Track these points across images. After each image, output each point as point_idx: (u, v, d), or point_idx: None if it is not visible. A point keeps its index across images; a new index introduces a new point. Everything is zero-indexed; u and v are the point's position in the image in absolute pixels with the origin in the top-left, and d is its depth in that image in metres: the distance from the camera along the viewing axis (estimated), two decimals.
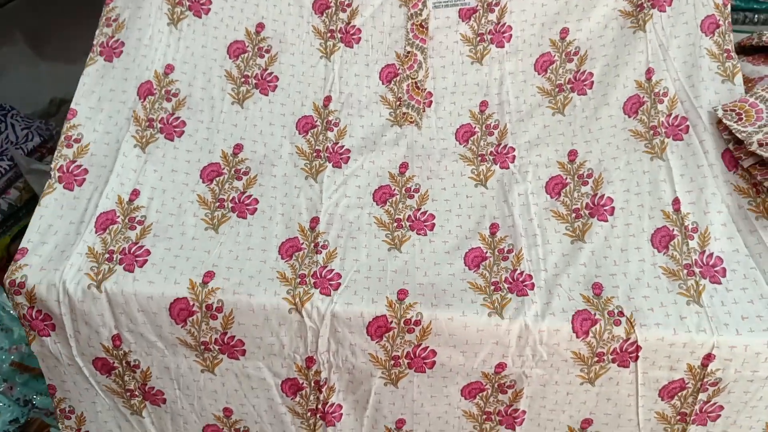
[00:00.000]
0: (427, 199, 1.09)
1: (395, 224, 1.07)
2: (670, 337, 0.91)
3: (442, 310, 0.94)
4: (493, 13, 1.23)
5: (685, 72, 1.13)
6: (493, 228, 1.04)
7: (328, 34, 1.23)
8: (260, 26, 1.23)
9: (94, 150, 1.04)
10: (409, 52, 1.22)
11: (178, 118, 1.09)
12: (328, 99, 1.18)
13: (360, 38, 1.23)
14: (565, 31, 1.22)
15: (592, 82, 1.17)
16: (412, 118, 1.18)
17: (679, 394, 0.96)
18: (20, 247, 0.98)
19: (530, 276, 0.98)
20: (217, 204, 1.03)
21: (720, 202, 1.02)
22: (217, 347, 0.97)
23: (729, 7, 1.16)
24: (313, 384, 0.99)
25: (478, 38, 1.23)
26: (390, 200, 1.09)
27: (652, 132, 1.10)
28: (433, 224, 1.07)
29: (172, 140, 1.06)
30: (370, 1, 1.24)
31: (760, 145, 0.99)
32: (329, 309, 0.94)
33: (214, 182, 1.05)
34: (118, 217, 1.01)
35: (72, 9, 2.50)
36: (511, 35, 1.22)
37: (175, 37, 1.18)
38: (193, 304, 0.94)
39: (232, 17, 1.22)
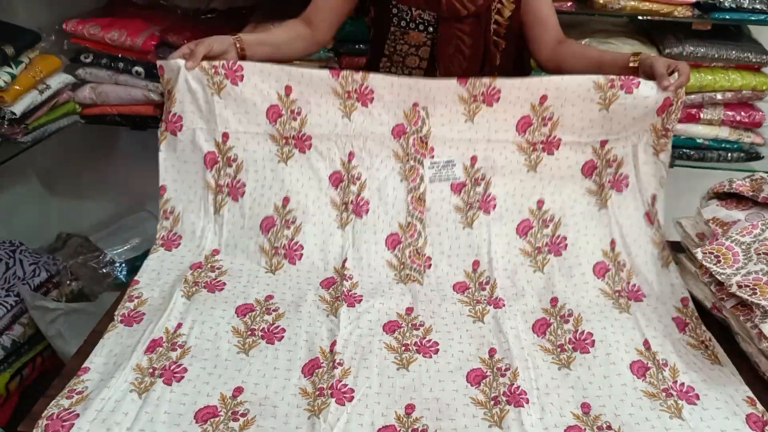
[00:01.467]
0: (431, 331, 1.21)
1: (403, 348, 1.18)
2: None
3: (446, 422, 1.03)
4: (480, 186, 1.40)
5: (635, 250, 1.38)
6: (492, 351, 1.16)
7: (343, 207, 1.41)
8: (286, 200, 1.41)
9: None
10: (409, 223, 1.39)
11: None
12: (344, 262, 1.36)
13: (368, 209, 1.40)
14: (541, 202, 1.41)
15: (567, 244, 1.37)
16: (414, 278, 1.34)
17: None
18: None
19: (525, 392, 1.07)
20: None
21: (682, 354, 1.17)
22: None
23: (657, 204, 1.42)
24: None
25: (468, 206, 1.40)
26: (398, 330, 1.21)
27: (617, 294, 1.33)
28: (438, 349, 1.18)
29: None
30: (376, 175, 1.42)
31: (739, 286, 1.06)
32: (343, 419, 1.02)
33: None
34: (163, 342, 1.14)
35: (79, 152, 2.63)
36: (495, 204, 1.40)
37: (219, 224, 1.46)
38: (221, 411, 1.04)
39: (263, 195, 1.44)
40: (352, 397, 1.06)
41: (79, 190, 2.71)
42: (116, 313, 1.21)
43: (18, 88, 1.80)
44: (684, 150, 2.06)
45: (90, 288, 2.28)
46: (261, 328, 1.19)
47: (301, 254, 1.38)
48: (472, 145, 1.41)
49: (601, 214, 1.39)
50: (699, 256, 1.12)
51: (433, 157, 1.41)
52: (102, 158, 2.62)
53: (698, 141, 2.04)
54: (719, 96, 1.94)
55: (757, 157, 2.05)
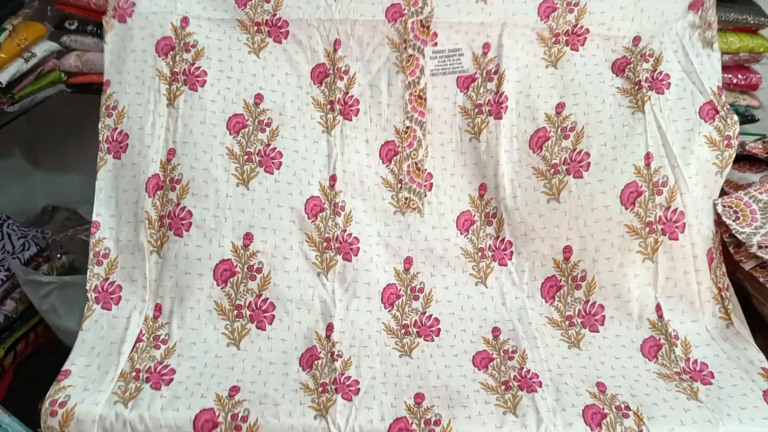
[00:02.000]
0: (431, 301, 1.13)
1: (403, 331, 1.12)
2: (679, 429, 0.95)
3: (459, 410, 0.98)
4: (492, 82, 1.20)
5: (684, 159, 1.14)
6: (495, 332, 1.09)
7: (328, 106, 1.21)
8: (259, 97, 1.21)
9: (122, 263, 1.05)
10: (408, 128, 1.20)
11: (184, 208, 1.09)
12: (333, 178, 1.19)
13: (358, 110, 1.21)
14: (561, 106, 1.20)
15: (589, 164, 1.15)
16: (414, 205, 1.18)
17: None
18: (63, 369, 0.99)
19: (537, 375, 1.03)
20: (236, 313, 1.04)
21: (697, 310, 1.07)
22: None
23: (723, 95, 1.19)
24: None
25: (476, 110, 1.20)
26: (397, 303, 1.13)
27: (647, 229, 1.11)
28: (439, 329, 1.12)
29: (181, 236, 1.06)
30: (368, 68, 1.22)
31: (760, 247, 1.06)
32: (352, 416, 0.97)
33: (229, 284, 1.05)
34: (143, 335, 1.02)
35: (66, 121, 2.56)
36: (507, 106, 1.19)
37: (173, 117, 1.18)
38: (219, 414, 0.96)
39: (229, 89, 1.20)
40: (358, 390, 1.02)
41: (63, 162, 2.65)
42: (88, 287, 1.13)
43: (3, 56, 1.73)
44: None
45: (81, 261, 2.23)
46: (247, 303, 1.07)
47: (280, 162, 1.20)
48: (484, 30, 1.21)
49: (635, 119, 1.17)
50: (719, 208, 1.12)
51: (435, 44, 1.21)
52: (87, 129, 2.54)
53: None
54: None
55: (753, 119, 2.05)
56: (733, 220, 1.11)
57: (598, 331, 1.09)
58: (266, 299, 1.07)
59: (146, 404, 0.96)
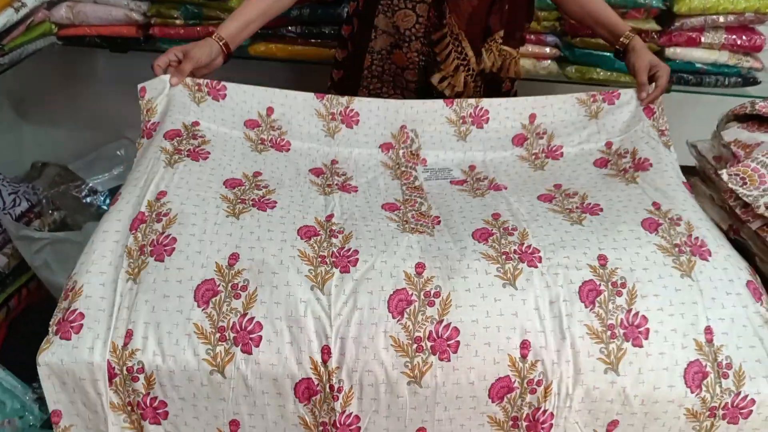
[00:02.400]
0: (449, 307, 0.97)
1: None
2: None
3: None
4: (483, 182, 1.28)
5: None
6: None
7: (326, 186, 1.23)
8: (258, 173, 1.23)
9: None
10: (407, 199, 1.21)
11: (168, 235, 1.04)
12: (330, 216, 1.13)
13: (358, 190, 1.23)
14: (557, 186, 1.26)
15: (602, 208, 1.17)
16: (422, 229, 1.10)
17: None
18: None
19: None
20: (218, 336, 0.95)
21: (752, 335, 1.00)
22: None
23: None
24: None
25: (475, 190, 1.25)
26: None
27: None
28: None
29: (162, 260, 1.00)
30: (364, 174, 1.29)
31: (767, 207, 1.05)
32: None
33: (211, 304, 0.97)
34: (117, 370, 0.96)
35: (54, 76, 2.51)
36: (507, 186, 1.26)
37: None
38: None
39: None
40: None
41: (53, 117, 2.60)
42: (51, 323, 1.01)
43: None
44: (682, 74, 2.04)
45: (72, 218, 2.21)
46: (231, 324, 0.97)
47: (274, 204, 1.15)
48: (468, 158, 1.33)
49: (631, 188, 1.20)
50: (725, 177, 1.11)
51: (426, 164, 1.32)
52: (78, 83, 2.51)
53: (697, 65, 2.02)
54: (721, 19, 1.91)
55: (755, 82, 2.04)
56: (740, 186, 1.11)
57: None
58: (252, 318, 0.95)
59: (152, 278, 0.98)
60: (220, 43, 1.38)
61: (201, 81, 1.34)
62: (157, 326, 0.94)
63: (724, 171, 1.12)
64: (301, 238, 1.04)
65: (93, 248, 1.03)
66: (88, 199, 2.24)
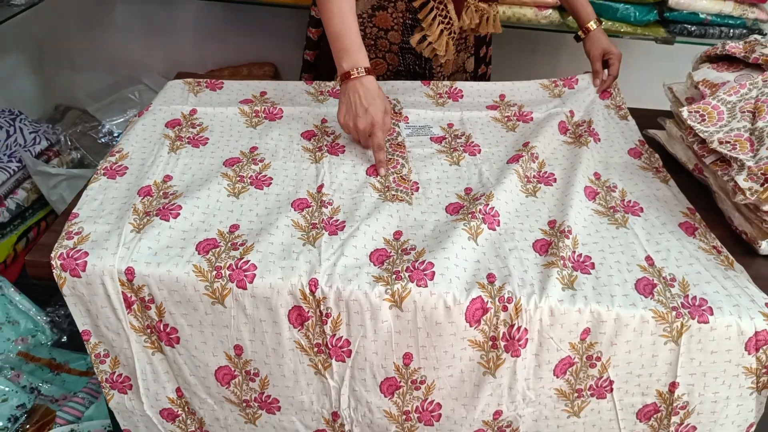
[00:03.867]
0: (424, 254, 1.06)
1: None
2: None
3: (444, 371, 1.04)
4: (461, 138, 1.37)
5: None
6: (491, 278, 1.03)
7: (317, 149, 1.31)
8: (254, 148, 1.31)
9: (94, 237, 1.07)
10: (390, 158, 1.28)
11: (174, 203, 1.13)
12: (320, 187, 1.22)
13: (345, 150, 1.31)
14: (525, 144, 1.33)
15: (556, 179, 1.26)
16: (402, 197, 1.20)
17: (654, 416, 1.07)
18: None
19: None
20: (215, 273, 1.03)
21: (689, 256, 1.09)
22: (256, 404, 1.10)
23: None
24: None
25: (452, 150, 1.33)
26: (387, 260, 1.09)
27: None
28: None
29: (167, 220, 1.09)
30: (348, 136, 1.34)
31: (720, 143, 1.08)
32: (347, 372, 1.06)
33: (211, 253, 1.05)
34: (133, 298, 1.06)
35: (78, 20, 2.59)
36: (480, 149, 1.34)
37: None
38: (235, 369, 1.08)
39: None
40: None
41: (73, 61, 2.70)
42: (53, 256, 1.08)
43: None
44: (685, 25, 2.03)
45: (89, 157, 2.31)
46: (228, 265, 1.05)
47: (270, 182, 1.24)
48: (446, 116, 1.43)
49: (582, 151, 1.32)
50: (684, 114, 1.14)
51: (408, 122, 1.40)
52: (97, 27, 2.58)
53: (701, 16, 2.00)
54: None
55: (760, 33, 2.02)
56: (698, 123, 1.13)
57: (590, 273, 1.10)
58: (248, 261, 1.04)
59: (156, 231, 1.07)
60: (381, 87, 1.27)
61: (201, 80, 1.50)
62: (158, 265, 1.02)
63: (684, 108, 1.15)
64: (295, 210, 1.14)
65: (99, 204, 1.13)
66: (104, 140, 2.33)
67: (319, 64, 1.67)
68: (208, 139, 1.32)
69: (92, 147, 2.34)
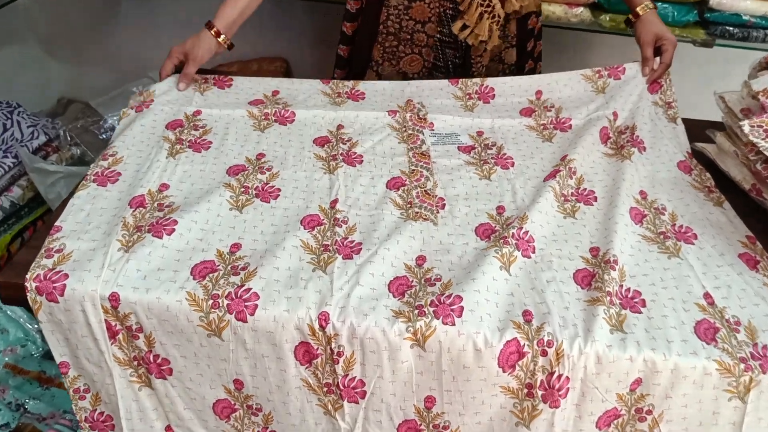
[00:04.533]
0: (451, 286, 0.94)
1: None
2: None
3: (470, 417, 0.91)
4: (491, 149, 1.24)
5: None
6: (527, 315, 0.90)
7: (331, 158, 1.20)
8: (261, 155, 1.21)
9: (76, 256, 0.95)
10: (414, 170, 1.17)
11: (169, 218, 1.02)
12: (334, 202, 1.09)
13: (363, 160, 1.20)
14: (564, 158, 1.21)
15: (597, 197, 1.13)
16: (426, 216, 1.07)
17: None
18: None
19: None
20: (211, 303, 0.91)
21: (754, 295, 0.95)
22: None
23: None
24: None
25: (482, 162, 1.21)
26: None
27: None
28: (461, 308, 0.91)
29: (160, 237, 0.98)
30: (370, 137, 1.25)
31: None
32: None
33: (207, 278, 0.94)
34: (117, 327, 0.94)
35: (83, 12, 2.50)
36: (513, 162, 1.21)
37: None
38: (235, 403, 0.97)
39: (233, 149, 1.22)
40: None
41: (79, 55, 2.62)
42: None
43: None
44: (727, 27, 1.89)
45: (90, 154, 2.21)
46: (226, 293, 0.94)
47: (278, 194, 1.13)
48: (476, 124, 1.30)
49: (625, 165, 1.18)
50: (746, 129, 1.01)
51: (433, 129, 1.28)
52: (103, 22, 2.50)
53: (744, 18, 1.87)
54: None
55: None
56: (763, 139, 1.01)
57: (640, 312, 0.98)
58: (249, 289, 0.92)
59: (147, 251, 0.96)
60: (219, 39, 1.35)
61: (209, 76, 1.39)
62: (146, 291, 0.91)
63: (745, 122, 1.03)
64: (305, 228, 1.03)
65: (86, 216, 1.03)
66: (106, 135, 2.23)
67: (352, 60, 1.59)
68: (211, 143, 1.21)
69: (93, 143, 2.23)
